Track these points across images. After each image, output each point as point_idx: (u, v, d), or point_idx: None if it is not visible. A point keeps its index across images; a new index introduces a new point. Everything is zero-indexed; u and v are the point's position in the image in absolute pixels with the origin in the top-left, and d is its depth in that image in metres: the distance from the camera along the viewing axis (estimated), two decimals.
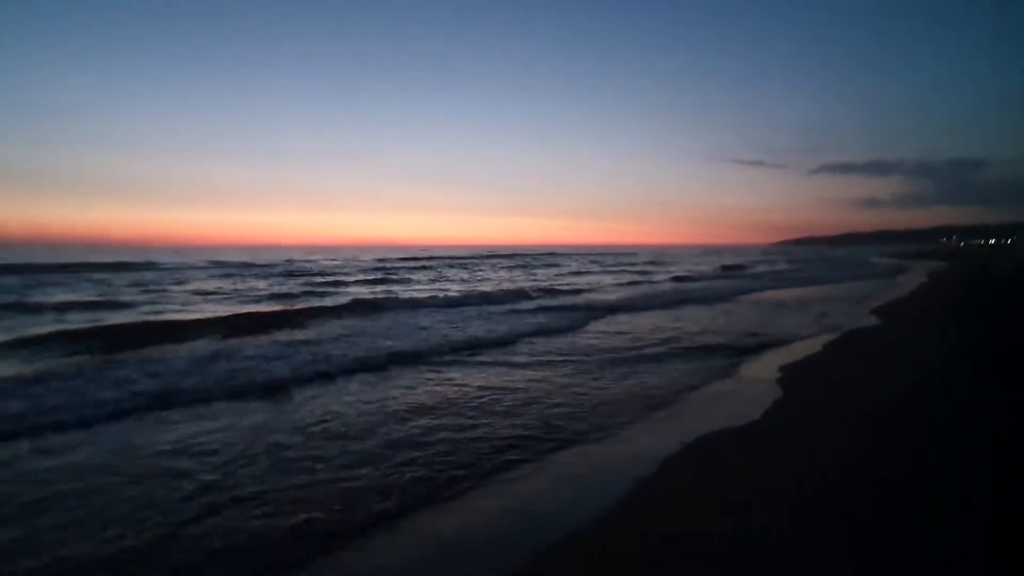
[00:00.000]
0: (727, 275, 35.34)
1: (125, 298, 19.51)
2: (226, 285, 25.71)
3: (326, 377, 8.10)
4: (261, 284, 26.76)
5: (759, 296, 21.18)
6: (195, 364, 8.52)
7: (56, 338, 10.90)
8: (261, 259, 55.30)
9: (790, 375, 8.11)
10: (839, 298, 19.98)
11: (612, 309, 16.46)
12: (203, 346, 10.39)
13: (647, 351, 10.03)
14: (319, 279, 30.01)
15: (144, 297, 20.20)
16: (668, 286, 25.94)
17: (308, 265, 45.30)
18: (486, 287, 25.19)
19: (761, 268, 44.37)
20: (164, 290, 22.91)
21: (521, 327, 12.70)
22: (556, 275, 35.86)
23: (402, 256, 67.19)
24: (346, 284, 27.23)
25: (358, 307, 16.27)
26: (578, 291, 23.21)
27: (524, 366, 8.95)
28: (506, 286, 25.90)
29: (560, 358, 9.51)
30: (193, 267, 40.48)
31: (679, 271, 39.47)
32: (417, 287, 26.20)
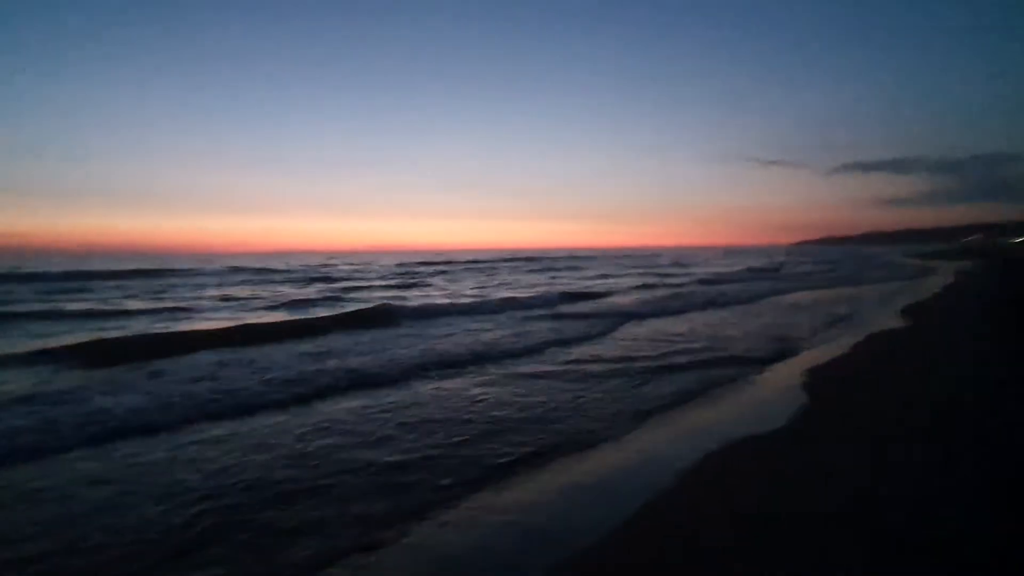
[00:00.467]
0: (753, 276, 34.79)
1: (204, 303, 20.46)
2: (263, 291, 25.97)
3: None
4: (312, 289, 27.44)
5: (788, 298, 20.78)
6: (299, 361, 9.49)
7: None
8: (298, 264, 55.81)
9: (818, 380, 7.83)
10: (869, 299, 19.50)
11: (637, 314, 16.16)
12: (294, 346, 11.16)
13: (675, 358, 9.67)
14: (363, 283, 30.67)
15: (221, 303, 21.03)
16: (694, 288, 25.57)
17: (348, 269, 46.00)
18: (508, 292, 25.11)
19: (786, 269, 43.67)
20: (243, 296, 23.27)
21: (544, 334, 12.50)
22: (579, 278, 35.70)
23: (424, 260, 67.01)
24: (370, 288, 27.48)
25: (379, 315, 16.09)
26: (601, 295, 22.95)
27: (543, 376, 8.62)
28: (524, 292, 25.78)
29: (585, 367, 9.22)
30: (231, 271, 41.56)
31: (704, 273, 38.96)
32: (437, 291, 26.23)
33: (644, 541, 3.70)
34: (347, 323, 14.09)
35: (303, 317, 15.92)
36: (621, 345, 11.24)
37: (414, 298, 22.71)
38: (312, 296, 23.61)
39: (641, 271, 42.83)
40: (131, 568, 3.56)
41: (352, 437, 5.90)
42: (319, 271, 43.21)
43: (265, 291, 26.14)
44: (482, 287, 28.81)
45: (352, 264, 58.24)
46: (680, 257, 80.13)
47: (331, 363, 9.24)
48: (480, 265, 54.58)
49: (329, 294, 24.40)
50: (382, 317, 15.30)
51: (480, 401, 7.27)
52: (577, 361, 9.65)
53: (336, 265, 54.79)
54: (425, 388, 7.97)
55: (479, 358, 9.95)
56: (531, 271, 44.18)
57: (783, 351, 10.28)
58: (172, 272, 39.54)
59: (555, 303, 19.65)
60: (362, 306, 18.22)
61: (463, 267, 50.60)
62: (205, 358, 9.69)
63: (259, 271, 42.39)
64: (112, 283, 30.10)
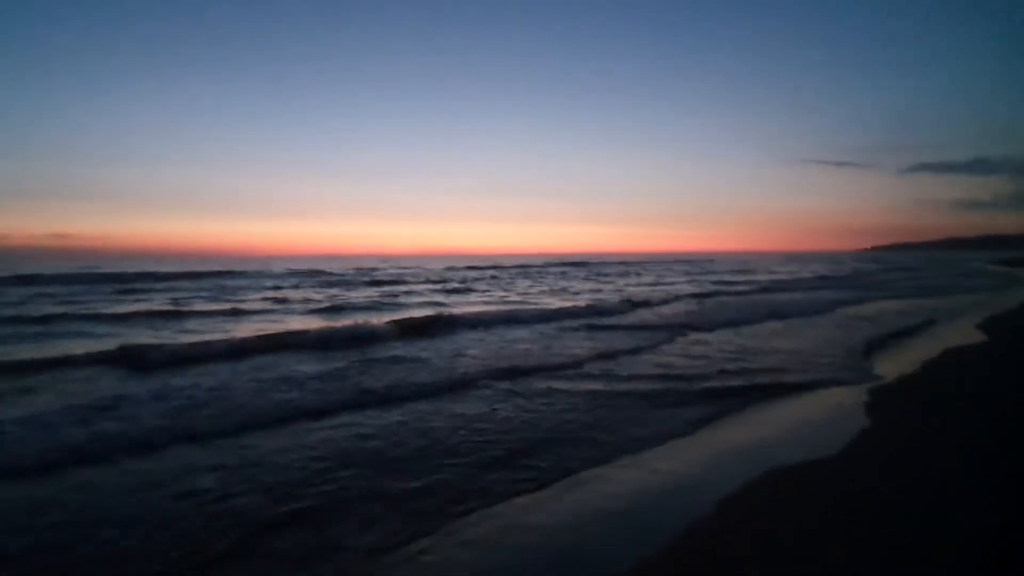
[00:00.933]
0: (818, 285, 33.15)
1: (294, 305, 21.20)
2: (315, 294, 26.91)
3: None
4: (372, 291, 28.57)
5: (857, 309, 19.66)
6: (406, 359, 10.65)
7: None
8: (351, 267, 57.34)
9: (884, 401, 7.33)
10: (948, 311, 18.25)
11: (690, 326, 15.33)
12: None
13: (726, 380, 8.90)
14: (414, 286, 31.81)
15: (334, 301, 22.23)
16: (752, 297, 24.63)
17: (397, 272, 47.23)
18: (561, 300, 25.01)
19: (858, 276, 41.37)
20: (340, 294, 24.40)
21: (584, 347, 12.14)
22: (627, 284, 35.05)
23: (471, 264, 66.77)
24: (421, 292, 28.03)
25: (436, 322, 16.27)
26: (653, 304, 22.18)
27: (578, 394, 8.16)
28: (578, 300, 25.55)
29: (634, 384, 8.79)
30: (303, 273, 43.88)
31: (764, 280, 37.50)
32: (488, 297, 26.39)
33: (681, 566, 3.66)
34: (407, 331, 14.37)
35: (365, 322, 16.24)
36: (677, 358, 10.90)
37: (468, 304, 22.96)
38: (374, 297, 25.08)
39: (696, 277, 41.61)
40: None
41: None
42: (371, 275, 44.04)
43: (318, 294, 27.08)
44: (535, 293, 28.76)
45: (402, 268, 59.34)
46: (738, 263, 77.55)
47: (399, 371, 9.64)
48: (529, 270, 54.58)
49: (378, 298, 24.80)
50: (442, 326, 15.50)
51: (552, 409, 7.32)
52: (612, 379, 9.10)
53: (386, 269, 55.97)
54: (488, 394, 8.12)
55: (534, 370, 9.88)
56: (586, 278, 43.48)
57: (849, 366, 9.75)
58: (231, 274, 41.90)
59: (612, 312, 19.32)
60: (416, 313, 18.51)
61: (512, 272, 50.73)
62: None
63: (311, 273, 44.48)
64: (187, 283, 33.15)
